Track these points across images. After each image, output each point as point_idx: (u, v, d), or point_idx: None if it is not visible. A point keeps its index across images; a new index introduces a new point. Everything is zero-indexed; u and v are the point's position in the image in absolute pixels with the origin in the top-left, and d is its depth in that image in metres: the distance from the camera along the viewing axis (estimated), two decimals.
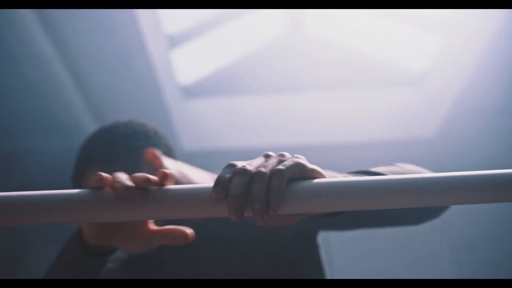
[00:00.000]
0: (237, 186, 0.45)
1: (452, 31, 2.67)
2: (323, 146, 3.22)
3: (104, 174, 0.50)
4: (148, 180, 0.49)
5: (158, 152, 1.01)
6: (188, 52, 3.06)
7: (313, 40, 3.30)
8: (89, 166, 1.03)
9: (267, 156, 0.51)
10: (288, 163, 0.48)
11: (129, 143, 1.03)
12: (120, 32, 2.28)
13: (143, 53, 2.43)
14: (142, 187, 0.49)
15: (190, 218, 0.50)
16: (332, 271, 3.20)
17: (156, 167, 0.98)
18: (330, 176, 0.69)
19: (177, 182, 0.95)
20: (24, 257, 3.20)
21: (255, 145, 3.20)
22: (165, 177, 0.50)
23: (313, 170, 0.50)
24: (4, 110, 2.39)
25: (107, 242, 0.60)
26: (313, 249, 0.91)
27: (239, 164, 0.49)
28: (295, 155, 0.53)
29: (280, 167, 0.47)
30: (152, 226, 0.60)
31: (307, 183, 0.49)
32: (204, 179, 0.94)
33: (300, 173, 0.49)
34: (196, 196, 0.50)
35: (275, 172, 0.47)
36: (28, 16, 2.00)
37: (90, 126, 2.68)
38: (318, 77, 3.19)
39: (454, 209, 3.30)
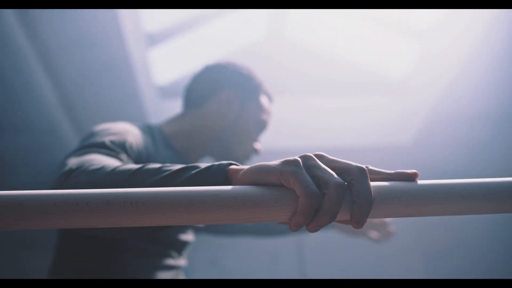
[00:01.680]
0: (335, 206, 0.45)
1: (431, 40, 2.71)
2: (298, 151, 3.20)
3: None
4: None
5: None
6: (165, 52, 3.00)
7: (292, 45, 3.28)
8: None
9: (310, 159, 0.48)
10: (357, 169, 0.48)
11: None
12: (98, 29, 2.20)
13: (122, 50, 2.35)
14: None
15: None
16: (305, 275, 3.18)
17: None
18: None
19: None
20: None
21: None
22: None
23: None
24: None
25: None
26: None
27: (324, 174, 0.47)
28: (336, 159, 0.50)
29: (360, 174, 0.47)
30: None
31: (385, 187, 0.49)
32: None
33: None
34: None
35: (362, 177, 0.47)
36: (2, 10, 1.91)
37: (63, 124, 2.58)
38: (295, 82, 3.18)
39: (427, 218, 3.33)
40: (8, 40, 2.04)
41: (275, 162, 0.49)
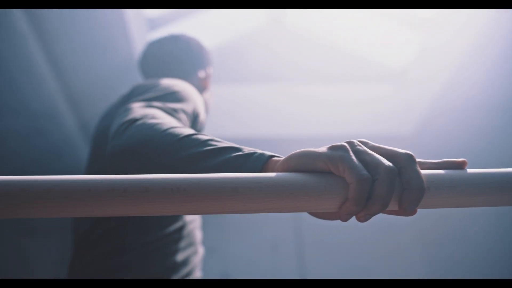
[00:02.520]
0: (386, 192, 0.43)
1: (433, 29, 2.68)
2: (299, 139, 3.18)
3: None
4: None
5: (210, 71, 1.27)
6: None
7: (292, 33, 3.25)
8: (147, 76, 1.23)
9: (356, 145, 0.46)
10: (406, 156, 0.46)
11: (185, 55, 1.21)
12: (100, 12, 2.15)
13: (124, 35, 2.31)
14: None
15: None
16: (305, 269, 3.17)
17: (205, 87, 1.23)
18: None
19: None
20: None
21: (230, 135, 3.13)
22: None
23: None
24: None
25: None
26: None
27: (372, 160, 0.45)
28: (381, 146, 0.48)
29: (412, 163, 0.45)
30: None
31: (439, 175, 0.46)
32: None
33: None
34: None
35: (411, 164, 0.45)
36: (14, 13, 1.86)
37: (63, 109, 2.54)
38: (295, 70, 3.14)
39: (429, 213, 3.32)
40: (8, 23, 1.99)
41: (321, 148, 0.46)
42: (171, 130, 0.63)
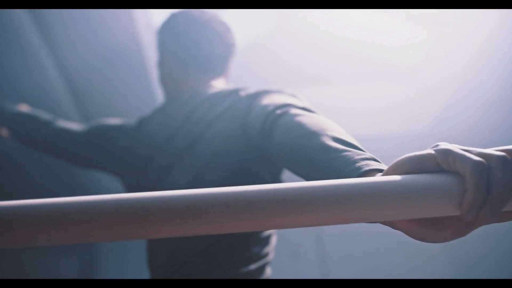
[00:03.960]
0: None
1: (446, 24, 2.65)
2: None
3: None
4: None
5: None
6: None
7: (302, 34, 3.21)
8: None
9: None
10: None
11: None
12: (111, 23, 2.13)
13: (135, 45, 2.28)
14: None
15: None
16: (327, 270, 3.13)
17: None
18: None
19: None
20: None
21: None
22: None
23: None
24: None
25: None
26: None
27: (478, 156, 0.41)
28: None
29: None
30: None
31: None
32: None
33: None
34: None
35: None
36: (19, 15, 1.84)
37: (73, 115, 2.51)
38: (307, 72, 3.11)
39: None
40: (20, 38, 1.96)
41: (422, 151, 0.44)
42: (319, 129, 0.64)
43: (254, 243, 0.92)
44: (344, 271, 3.11)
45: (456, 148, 0.41)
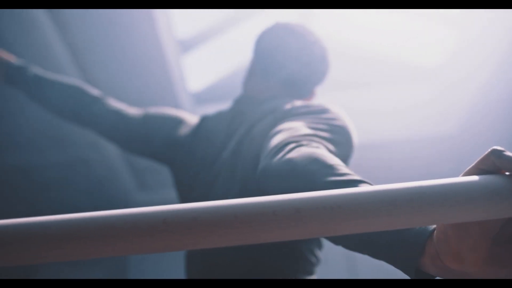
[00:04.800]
0: None
1: (469, 24, 2.61)
2: None
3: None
4: None
5: None
6: (197, 57, 2.95)
7: (324, 39, 3.21)
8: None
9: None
10: None
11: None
12: (134, 36, 2.16)
13: (158, 58, 2.31)
14: None
15: None
16: (356, 271, 3.09)
17: None
18: None
19: None
20: None
21: None
22: None
23: None
24: (14, 124, 2.24)
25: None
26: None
27: None
28: None
29: None
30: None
31: None
32: None
33: None
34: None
35: None
36: (41, 17, 1.87)
37: (98, 138, 2.54)
38: (331, 76, 3.10)
39: None
40: (49, 56, 2.00)
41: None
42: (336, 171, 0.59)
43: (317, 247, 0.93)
44: (372, 272, 3.07)
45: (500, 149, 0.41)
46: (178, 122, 1.12)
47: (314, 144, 0.70)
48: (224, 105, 3.10)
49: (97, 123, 1.13)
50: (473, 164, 0.42)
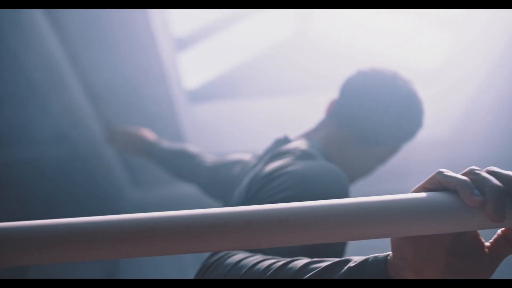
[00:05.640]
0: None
1: (465, 26, 2.62)
2: None
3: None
4: None
5: None
6: (193, 55, 2.96)
7: (321, 40, 3.22)
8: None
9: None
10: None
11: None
12: (129, 33, 2.16)
13: (154, 56, 2.31)
14: None
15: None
16: None
17: None
18: None
19: None
20: None
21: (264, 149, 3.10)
22: None
23: None
24: (8, 117, 2.26)
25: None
26: None
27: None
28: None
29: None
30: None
31: None
32: None
33: None
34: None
35: None
36: (37, 17, 1.89)
37: (94, 130, 2.55)
38: (328, 78, 3.11)
39: None
40: (44, 54, 2.01)
41: None
42: (257, 268, 0.60)
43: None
44: None
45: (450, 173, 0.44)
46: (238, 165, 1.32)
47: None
48: (219, 103, 3.11)
49: (195, 181, 1.42)
50: (419, 184, 0.43)
